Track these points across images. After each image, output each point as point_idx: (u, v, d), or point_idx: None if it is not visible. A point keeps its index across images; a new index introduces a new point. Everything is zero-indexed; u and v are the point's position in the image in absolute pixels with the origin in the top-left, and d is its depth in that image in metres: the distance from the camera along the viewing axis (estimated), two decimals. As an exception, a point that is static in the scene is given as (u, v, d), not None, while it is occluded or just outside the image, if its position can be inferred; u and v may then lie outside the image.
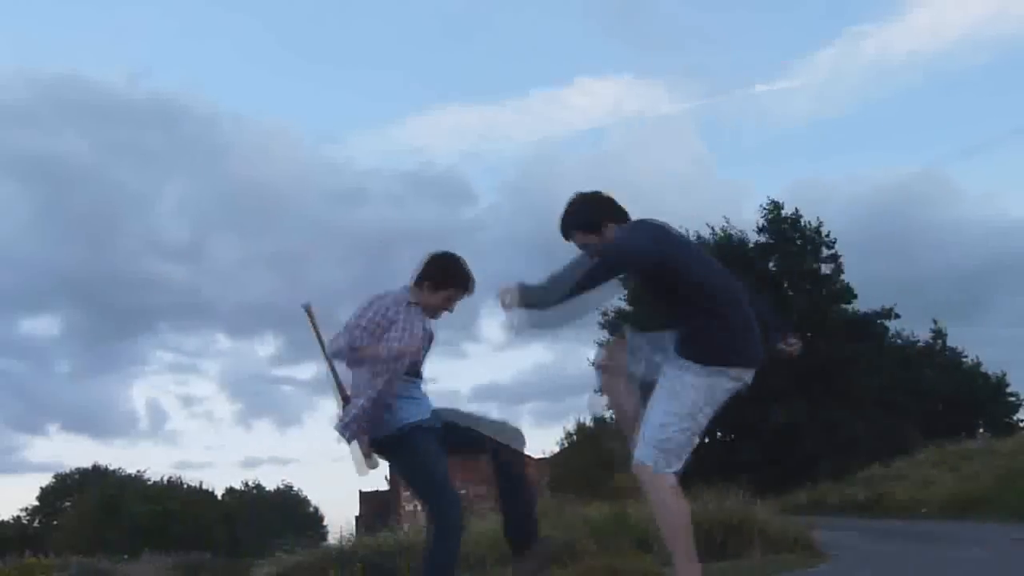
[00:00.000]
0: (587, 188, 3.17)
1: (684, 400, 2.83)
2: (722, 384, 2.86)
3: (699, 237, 34.64)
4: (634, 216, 3.10)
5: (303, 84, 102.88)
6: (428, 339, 3.55)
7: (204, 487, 56.11)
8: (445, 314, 3.59)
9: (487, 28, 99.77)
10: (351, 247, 78.56)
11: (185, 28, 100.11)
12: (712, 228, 34.59)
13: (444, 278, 3.52)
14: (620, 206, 3.06)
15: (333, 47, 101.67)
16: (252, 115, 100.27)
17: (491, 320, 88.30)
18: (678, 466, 2.86)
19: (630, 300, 35.35)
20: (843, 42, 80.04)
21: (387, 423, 3.40)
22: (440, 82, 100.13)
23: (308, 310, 3.71)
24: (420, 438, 3.42)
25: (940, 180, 69.07)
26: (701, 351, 2.84)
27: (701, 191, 71.88)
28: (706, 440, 34.39)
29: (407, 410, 3.43)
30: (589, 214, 3.04)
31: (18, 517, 57.81)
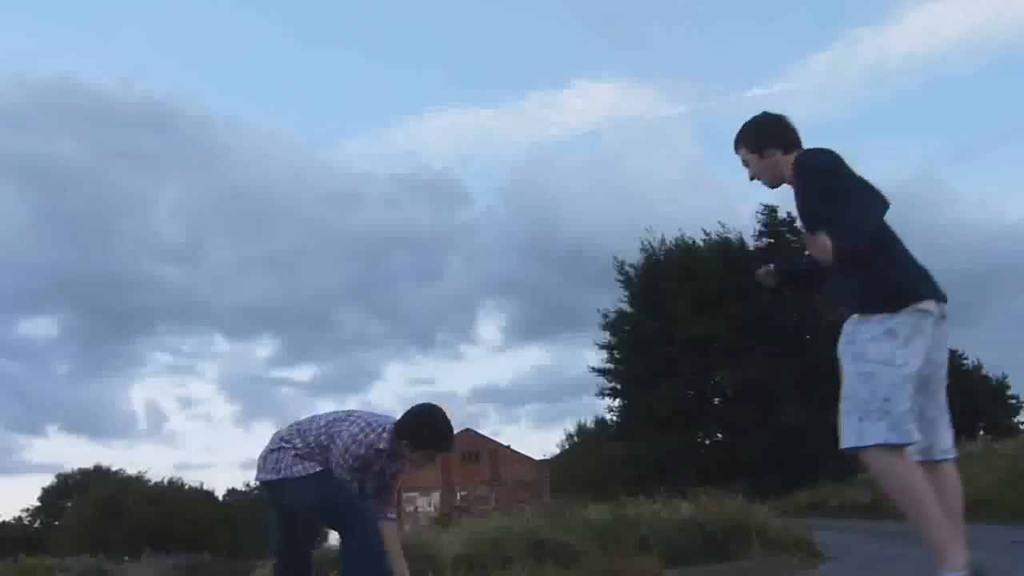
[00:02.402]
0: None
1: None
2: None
3: (695, 241, 34.72)
4: None
5: (298, 87, 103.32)
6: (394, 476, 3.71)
7: (205, 488, 56.22)
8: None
9: (483, 31, 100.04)
10: (346, 249, 78.77)
11: (178, 31, 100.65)
12: (707, 232, 34.71)
13: (424, 442, 3.52)
14: (794, 138, 2.95)
15: (328, 50, 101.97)
16: (246, 118, 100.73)
17: (488, 322, 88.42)
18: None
19: (630, 301, 35.39)
20: (839, 45, 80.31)
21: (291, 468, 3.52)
22: (435, 85, 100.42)
23: None
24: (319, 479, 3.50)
25: (936, 184, 69.18)
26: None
27: (696, 194, 71.98)
28: (707, 442, 34.47)
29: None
30: (758, 134, 2.96)
31: (19, 517, 57.91)
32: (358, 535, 3.41)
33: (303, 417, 3.74)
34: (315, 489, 3.47)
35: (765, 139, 2.95)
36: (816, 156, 2.79)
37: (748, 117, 3.04)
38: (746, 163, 2.99)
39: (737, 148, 3.02)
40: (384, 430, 3.48)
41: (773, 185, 3.00)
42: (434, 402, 3.62)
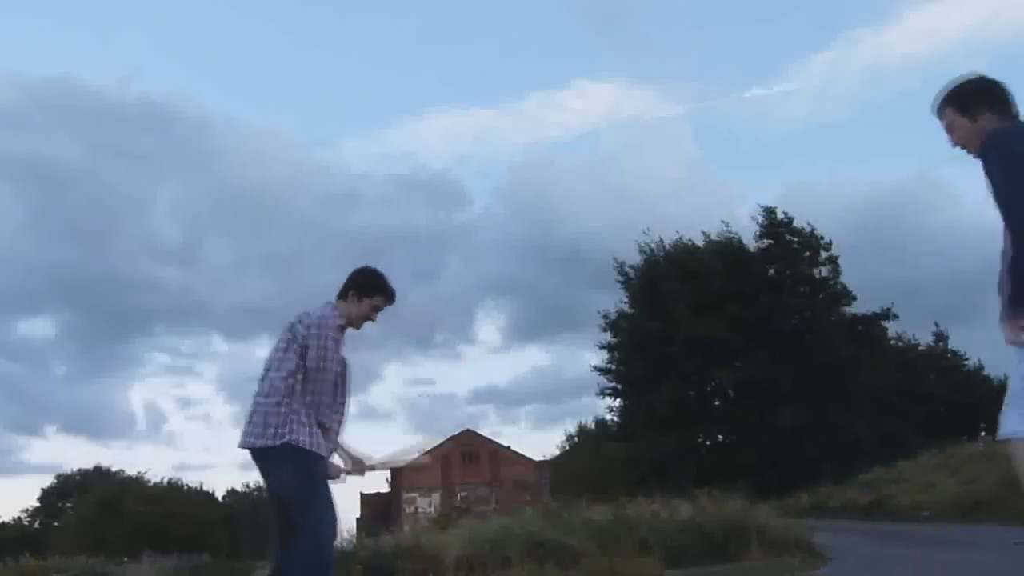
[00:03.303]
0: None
1: None
2: None
3: (694, 242, 34.70)
4: None
5: (297, 87, 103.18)
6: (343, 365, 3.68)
7: (204, 489, 56.19)
8: (367, 325, 3.70)
9: (483, 31, 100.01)
10: (345, 250, 78.69)
11: (176, 32, 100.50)
12: (707, 234, 34.70)
13: (371, 287, 3.67)
14: (1008, 101, 2.68)
15: (327, 50, 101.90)
16: (245, 118, 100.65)
17: (487, 322, 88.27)
18: None
19: (631, 302, 35.40)
20: (838, 46, 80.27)
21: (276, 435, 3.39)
22: (435, 85, 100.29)
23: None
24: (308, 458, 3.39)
25: (936, 184, 69.08)
26: None
27: (695, 195, 71.98)
28: (707, 443, 34.43)
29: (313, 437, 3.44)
30: (970, 94, 2.70)
31: (19, 518, 57.90)
32: (308, 542, 3.28)
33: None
34: (293, 476, 3.36)
35: (979, 100, 2.68)
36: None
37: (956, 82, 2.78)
38: (950, 127, 2.73)
39: (942, 110, 2.76)
40: (334, 306, 3.57)
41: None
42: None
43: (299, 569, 3.29)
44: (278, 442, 3.34)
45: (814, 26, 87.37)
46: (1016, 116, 2.65)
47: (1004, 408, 2.54)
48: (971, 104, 2.67)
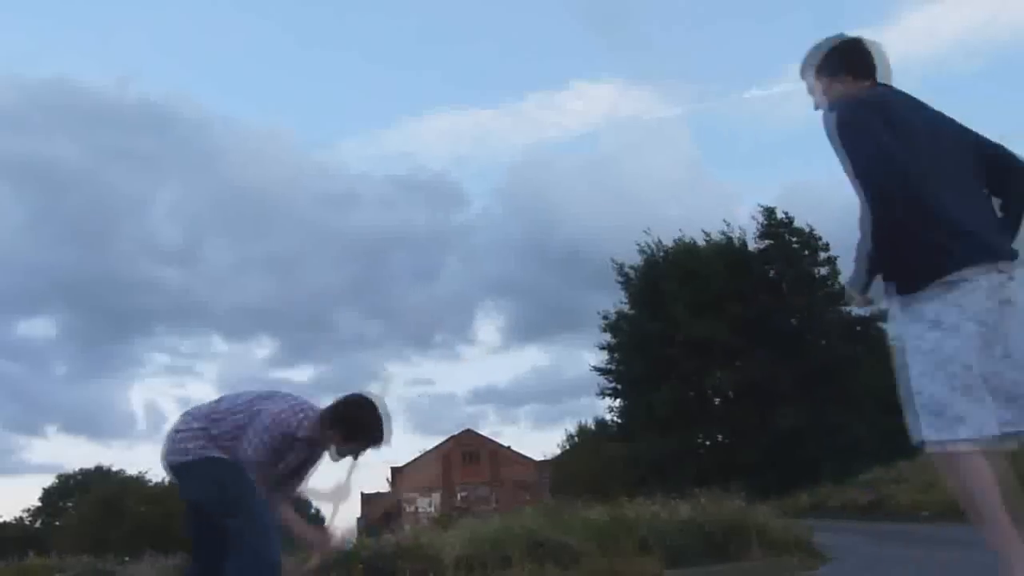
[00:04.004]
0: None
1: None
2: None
3: (695, 242, 34.69)
4: None
5: (295, 87, 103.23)
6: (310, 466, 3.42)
7: (205, 488, 56.16)
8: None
9: (482, 32, 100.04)
10: (344, 250, 78.74)
11: (174, 32, 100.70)
12: (707, 234, 34.69)
13: (359, 434, 3.28)
14: (868, 63, 2.62)
15: (327, 50, 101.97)
16: (244, 119, 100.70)
17: (487, 323, 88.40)
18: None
19: (631, 302, 35.40)
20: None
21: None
22: (434, 86, 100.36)
23: None
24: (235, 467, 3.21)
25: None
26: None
27: (694, 195, 71.98)
28: (707, 443, 34.44)
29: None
30: (829, 57, 2.66)
31: (20, 518, 57.92)
32: (248, 555, 3.07)
33: (216, 399, 3.43)
34: (220, 483, 3.17)
35: (839, 63, 2.64)
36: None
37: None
38: (811, 89, 2.71)
39: (803, 72, 2.73)
40: (306, 416, 3.19)
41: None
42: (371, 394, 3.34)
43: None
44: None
45: (813, 27, 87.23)
46: (875, 78, 2.62)
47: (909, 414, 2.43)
48: (831, 67, 2.64)
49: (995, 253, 2.34)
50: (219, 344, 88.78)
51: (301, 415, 3.19)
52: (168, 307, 76.86)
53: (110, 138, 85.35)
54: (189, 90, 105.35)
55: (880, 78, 2.63)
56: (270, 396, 3.28)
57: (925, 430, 2.34)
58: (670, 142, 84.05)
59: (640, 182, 76.45)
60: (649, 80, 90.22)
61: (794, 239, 33.18)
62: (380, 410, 3.30)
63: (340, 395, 3.33)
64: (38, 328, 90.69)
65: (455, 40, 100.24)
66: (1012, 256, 2.38)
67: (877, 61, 2.64)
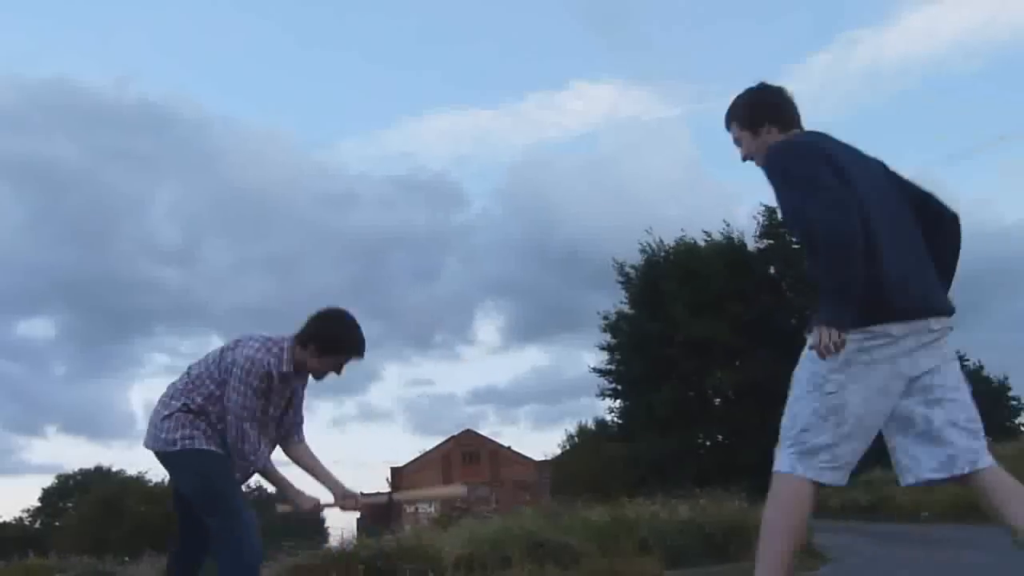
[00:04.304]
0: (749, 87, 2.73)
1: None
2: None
3: (696, 242, 34.70)
4: None
5: (294, 88, 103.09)
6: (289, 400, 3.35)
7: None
8: (332, 376, 3.30)
9: (482, 32, 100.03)
10: (343, 250, 78.69)
11: (174, 32, 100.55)
12: (708, 233, 34.70)
13: (335, 345, 3.22)
14: (789, 111, 2.63)
15: (327, 50, 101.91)
16: (243, 119, 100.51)
17: (486, 323, 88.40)
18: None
19: (631, 302, 35.41)
20: (836, 48, 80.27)
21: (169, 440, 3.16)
22: (434, 86, 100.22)
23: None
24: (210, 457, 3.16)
25: (933, 185, 68.73)
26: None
27: (694, 195, 71.89)
28: (707, 443, 34.43)
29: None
30: (752, 108, 2.65)
31: (20, 518, 57.94)
32: (232, 551, 3.05)
33: (186, 370, 3.31)
34: (205, 476, 3.12)
35: (762, 113, 2.64)
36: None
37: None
38: (738, 141, 2.69)
39: (728, 124, 2.73)
40: (281, 348, 3.14)
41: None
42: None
43: None
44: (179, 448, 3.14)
45: (813, 27, 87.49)
46: (799, 125, 2.63)
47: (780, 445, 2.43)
48: (753, 118, 2.64)
49: (929, 309, 2.33)
50: (219, 344, 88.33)
51: (276, 349, 3.14)
52: (168, 307, 76.78)
53: (110, 138, 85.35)
54: (188, 90, 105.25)
55: (800, 124, 2.63)
56: (236, 344, 3.21)
57: (789, 462, 2.36)
58: (670, 142, 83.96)
59: (640, 182, 76.43)
60: (649, 80, 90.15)
61: (794, 238, 33.16)
62: (350, 318, 3.28)
63: (312, 313, 3.28)
64: (37, 328, 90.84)
65: (455, 40, 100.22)
66: (948, 312, 2.38)
67: (796, 108, 2.65)
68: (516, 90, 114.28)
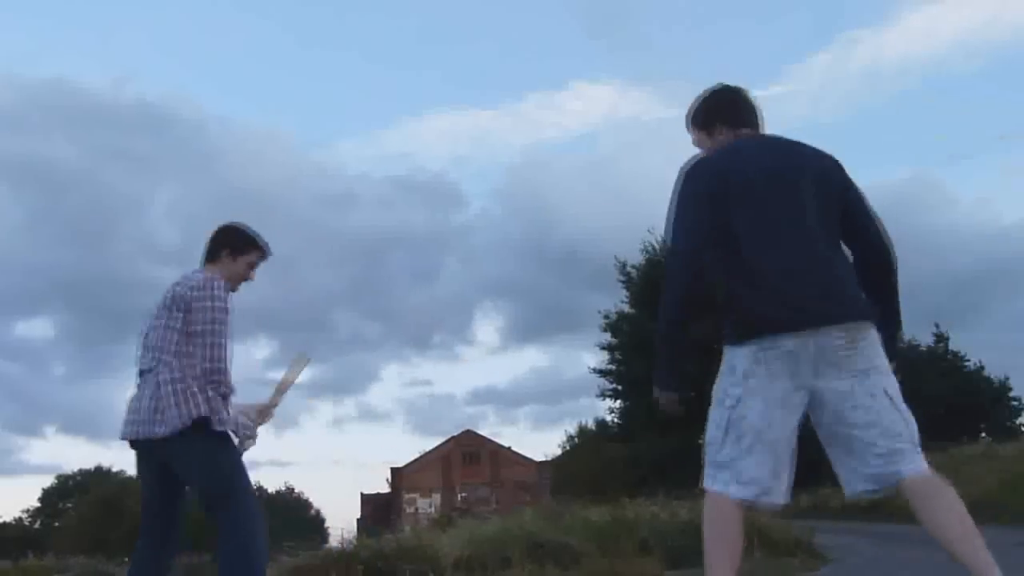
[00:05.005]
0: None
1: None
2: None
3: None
4: None
5: (294, 88, 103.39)
6: None
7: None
8: (243, 285, 3.39)
9: (482, 32, 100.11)
10: (342, 250, 78.83)
11: (172, 32, 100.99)
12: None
13: (244, 243, 3.38)
14: (742, 113, 2.61)
15: (326, 50, 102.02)
16: (242, 119, 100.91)
17: (485, 323, 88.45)
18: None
19: (631, 302, 35.40)
20: (837, 47, 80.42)
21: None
22: (434, 86, 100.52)
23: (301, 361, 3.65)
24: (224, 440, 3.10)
25: (933, 185, 69.36)
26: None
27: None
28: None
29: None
30: (706, 110, 2.66)
31: (20, 518, 57.94)
32: (241, 551, 2.99)
33: (140, 345, 3.22)
34: (217, 465, 3.06)
35: (715, 115, 2.64)
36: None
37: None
38: (696, 142, 2.70)
39: (688, 125, 2.73)
40: (210, 276, 3.18)
41: None
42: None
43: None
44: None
45: (813, 27, 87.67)
46: (754, 126, 2.61)
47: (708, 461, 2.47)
48: (707, 119, 2.65)
49: (823, 317, 2.27)
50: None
51: (212, 280, 3.16)
52: (167, 307, 76.87)
53: (108, 138, 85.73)
54: (187, 90, 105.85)
55: (757, 125, 2.62)
56: (190, 292, 3.12)
57: (707, 479, 2.42)
58: (669, 142, 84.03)
59: (639, 182, 76.67)
60: (648, 81, 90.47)
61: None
62: (243, 224, 3.44)
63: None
64: (37, 328, 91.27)
65: (455, 40, 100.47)
66: (850, 318, 2.30)
67: (754, 109, 2.64)
68: (515, 90, 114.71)
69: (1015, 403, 34.76)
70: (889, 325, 2.49)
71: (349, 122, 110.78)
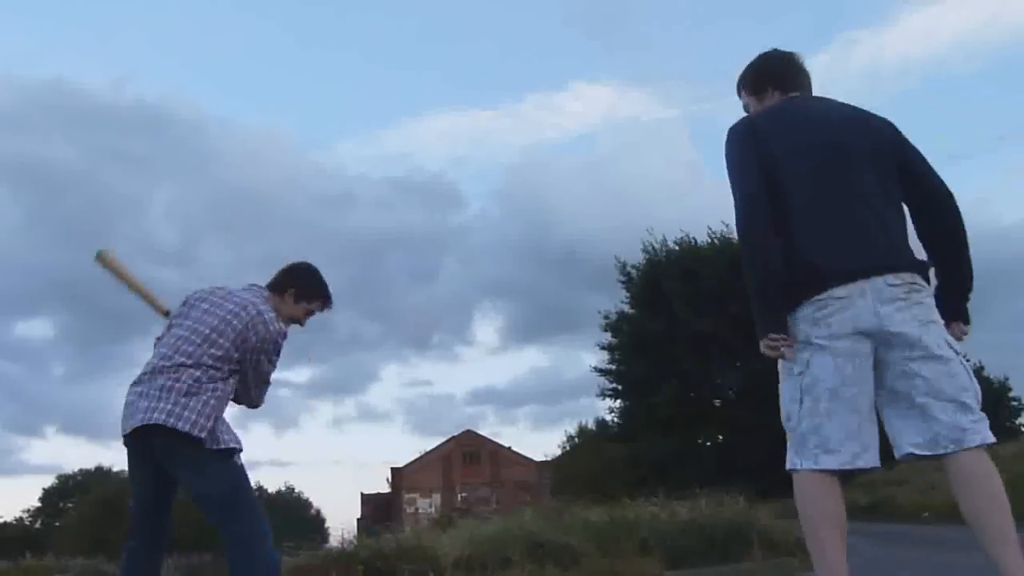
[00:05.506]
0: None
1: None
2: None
3: (697, 241, 34.66)
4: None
5: (293, 88, 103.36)
6: None
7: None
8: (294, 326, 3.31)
9: (481, 33, 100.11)
10: (341, 251, 78.85)
11: (171, 33, 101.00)
12: (712, 231, 34.67)
13: (313, 291, 3.32)
14: (791, 75, 2.58)
15: (326, 51, 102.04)
16: (241, 120, 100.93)
17: (485, 324, 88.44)
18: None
19: (632, 302, 35.39)
20: (836, 48, 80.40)
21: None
22: (433, 87, 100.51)
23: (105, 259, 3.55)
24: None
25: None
26: None
27: (692, 196, 71.98)
28: (708, 444, 34.39)
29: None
30: (755, 74, 2.64)
31: (20, 518, 57.94)
32: (254, 561, 2.91)
33: (169, 334, 3.15)
34: (233, 488, 2.98)
35: (765, 78, 2.61)
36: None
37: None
38: (746, 107, 2.67)
39: (739, 91, 2.70)
40: (264, 297, 3.15)
41: None
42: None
43: None
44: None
45: (812, 28, 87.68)
46: (805, 90, 2.58)
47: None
48: (758, 83, 2.63)
49: (875, 266, 2.22)
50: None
51: (272, 310, 3.12)
52: (166, 308, 76.97)
53: (107, 139, 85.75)
54: (186, 91, 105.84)
55: (808, 89, 2.60)
56: (242, 309, 3.05)
57: (789, 456, 2.32)
58: (669, 143, 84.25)
59: (638, 183, 76.68)
60: (647, 81, 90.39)
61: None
62: (320, 272, 3.38)
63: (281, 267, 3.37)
64: (36, 329, 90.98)
65: (454, 41, 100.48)
66: (902, 267, 2.24)
67: (806, 73, 2.61)
68: (515, 91, 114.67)
69: (1015, 403, 34.80)
70: (959, 280, 2.40)
71: (348, 122, 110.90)
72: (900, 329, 2.20)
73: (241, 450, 3.10)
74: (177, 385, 2.95)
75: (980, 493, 2.18)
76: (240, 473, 3.06)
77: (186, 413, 2.90)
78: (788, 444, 2.33)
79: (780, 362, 2.31)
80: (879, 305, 2.20)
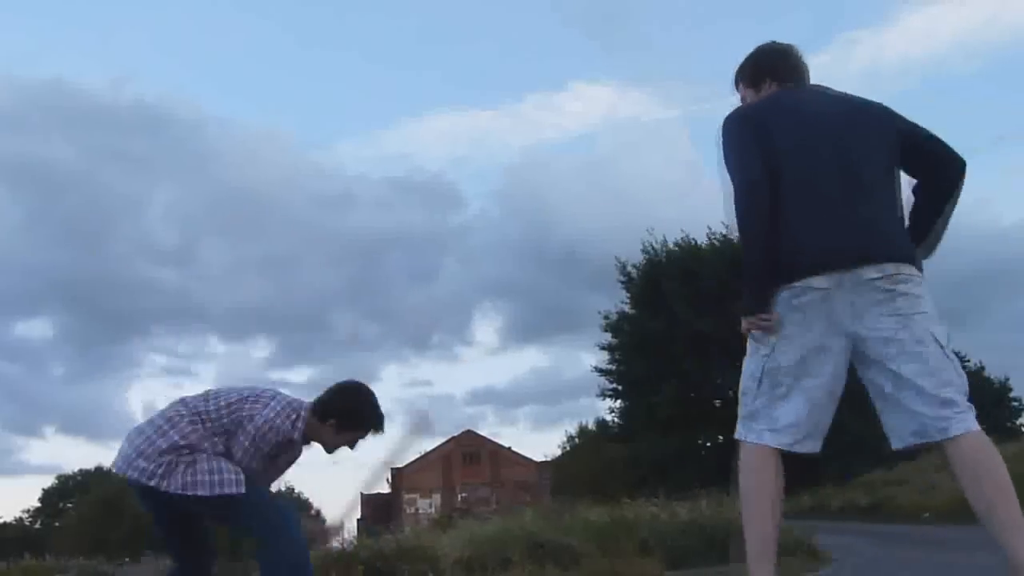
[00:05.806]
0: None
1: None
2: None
3: (697, 242, 34.67)
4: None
5: (292, 88, 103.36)
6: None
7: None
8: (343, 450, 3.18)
9: (481, 33, 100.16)
10: (341, 251, 78.93)
11: (170, 33, 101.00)
12: (712, 231, 34.68)
13: (356, 423, 3.12)
14: (788, 67, 2.58)
15: (325, 51, 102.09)
16: (240, 119, 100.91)
17: (484, 324, 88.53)
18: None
19: (632, 302, 35.38)
20: (836, 48, 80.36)
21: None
22: (433, 87, 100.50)
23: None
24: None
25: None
26: None
27: (692, 197, 71.94)
28: (708, 444, 34.40)
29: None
30: (753, 66, 2.64)
31: (20, 518, 57.96)
32: (282, 547, 2.92)
33: (191, 396, 3.14)
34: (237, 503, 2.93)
35: (763, 71, 2.62)
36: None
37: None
38: (743, 100, 2.66)
39: (736, 84, 2.70)
40: (299, 417, 3.01)
41: None
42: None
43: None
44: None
45: (812, 28, 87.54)
46: (799, 80, 2.57)
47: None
48: (755, 75, 2.63)
49: (858, 257, 2.21)
50: (216, 345, 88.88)
51: (294, 416, 3.00)
52: (165, 308, 76.96)
53: (106, 139, 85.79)
54: (185, 91, 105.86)
55: (804, 82, 2.59)
56: (257, 398, 3.06)
57: (739, 427, 2.38)
58: (668, 143, 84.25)
59: (638, 183, 76.66)
60: (648, 81, 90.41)
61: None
62: (372, 394, 3.16)
63: (329, 386, 3.18)
64: (35, 329, 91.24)
65: (454, 40, 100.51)
66: (886, 258, 2.23)
67: (803, 66, 2.61)
68: (515, 91, 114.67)
69: (1015, 403, 34.79)
70: (923, 225, 2.42)
71: (348, 122, 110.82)
72: (875, 325, 2.23)
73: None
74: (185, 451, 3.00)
75: (982, 477, 2.20)
76: (258, 500, 3.03)
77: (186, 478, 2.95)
78: (739, 415, 2.40)
79: (749, 339, 2.37)
80: (856, 298, 2.22)
